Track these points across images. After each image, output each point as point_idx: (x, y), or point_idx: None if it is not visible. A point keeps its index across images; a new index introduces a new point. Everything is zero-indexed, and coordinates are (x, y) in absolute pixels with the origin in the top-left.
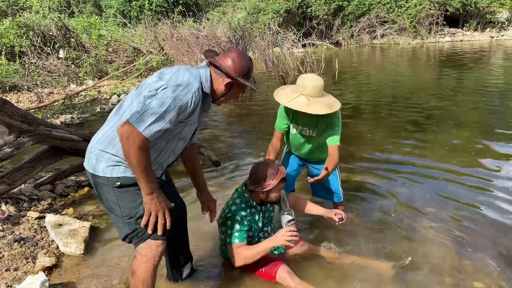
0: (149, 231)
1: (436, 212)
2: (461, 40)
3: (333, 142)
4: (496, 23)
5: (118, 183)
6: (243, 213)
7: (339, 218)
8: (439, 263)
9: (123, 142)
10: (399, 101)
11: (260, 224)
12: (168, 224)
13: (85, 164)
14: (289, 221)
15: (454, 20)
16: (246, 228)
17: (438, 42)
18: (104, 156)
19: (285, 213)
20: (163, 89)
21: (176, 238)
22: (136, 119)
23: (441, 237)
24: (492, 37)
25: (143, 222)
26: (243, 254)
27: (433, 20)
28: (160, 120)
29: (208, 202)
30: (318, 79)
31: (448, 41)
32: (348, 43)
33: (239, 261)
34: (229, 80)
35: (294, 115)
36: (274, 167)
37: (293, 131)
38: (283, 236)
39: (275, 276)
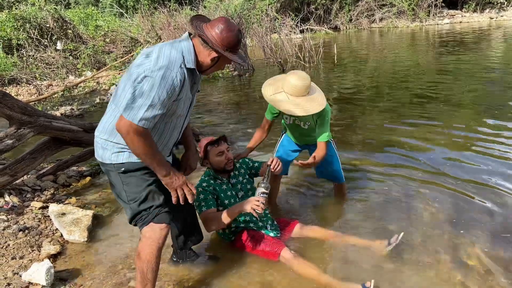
0: (174, 203)
1: (432, 193)
2: (460, 22)
3: (322, 139)
4: (495, 3)
5: (123, 168)
6: (204, 184)
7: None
8: (434, 242)
9: (124, 137)
10: (399, 84)
11: (228, 193)
12: (194, 191)
13: (95, 154)
14: (262, 192)
15: (453, 2)
16: (209, 196)
17: (437, 24)
18: (109, 144)
19: (261, 185)
20: (146, 76)
21: (185, 215)
22: (129, 113)
23: (437, 216)
24: (492, 18)
25: (174, 200)
26: (212, 218)
27: (432, 2)
28: (152, 107)
29: (187, 162)
30: (302, 78)
31: (447, 23)
32: (346, 28)
33: (209, 226)
34: (216, 54)
35: None
36: (206, 137)
37: (286, 120)
38: (250, 203)
39: (278, 254)
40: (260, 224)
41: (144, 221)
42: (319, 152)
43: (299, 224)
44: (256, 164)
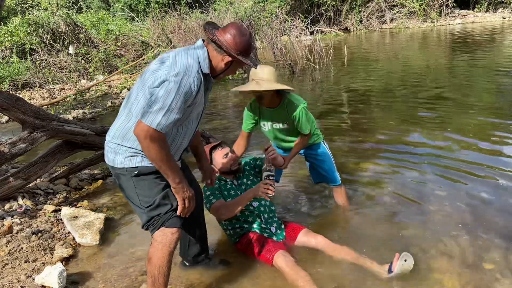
0: (179, 214)
1: (446, 196)
2: (472, 22)
3: (303, 131)
4: (508, 3)
5: (136, 171)
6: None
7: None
8: (448, 246)
9: (141, 142)
10: (410, 85)
11: (232, 192)
12: (192, 208)
13: (105, 159)
14: (267, 176)
15: (464, 2)
16: (216, 192)
17: (449, 24)
18: (121, 149)
19: (266, 170)
20: (164, 81)
21: (195, 221)
22: (147, 118)
23: (451, 220)
24: (504, 18)
25: (179, 211)
26: (223, 206)
27: (443, 2)
28: (170, 112)
29: (209, 170)
30: (267, 67)
31: (459, 24)
32: (357, 29)
33: (220, 214)
34: (230, 59)
35: (259, 112)
36: (207, 145)
37: (264, 128)
38: (260, 187)
39: (271, 259)
40: (263, 226)
41: (155, 225)
42: (297, 144)
43: (305, 230)
44: (258, 162)
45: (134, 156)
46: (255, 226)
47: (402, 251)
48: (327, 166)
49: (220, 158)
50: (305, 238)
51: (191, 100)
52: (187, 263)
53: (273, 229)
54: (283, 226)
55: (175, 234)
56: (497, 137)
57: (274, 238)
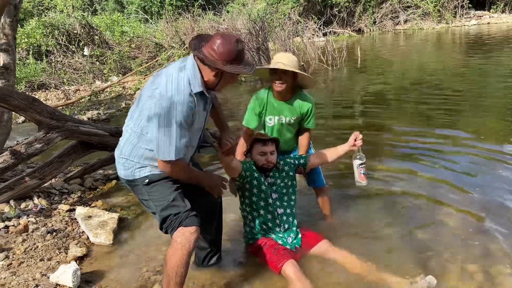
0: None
1: (460, 198)
2: (488, 23)
3: (309, 126)
4: None
5: (147, 180)
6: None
7: (356, 140)
8: (462, 250)
9: (170, 174)
10: (424, 87)
11: (262, 187)
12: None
13: (119, 174)
14: (360, 164)
15: (480, 2)
16: (249, 165)
17: (464, 26)
18: (130, 163)
19: (357, 158)
20: (159, 116)
21: (211, 223)
22: (163, 154)
23: (466, 223)
24: None
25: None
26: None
27: (458, 3)
28: (178, 139)
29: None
30: (291, 55)
31: (474, 25)
32: (370, 30)
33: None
34: (216, 71)
35: (268, 105)
36: (261, 132)
37: (269, 123)
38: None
39: (279, 268)
40: (281, 235)
41: (173, 226)
42: (305, 139)
43: (326, 242)
44: (302, 161)
45: (143, 167)
46: (272, 233)
47: (415, 253)
48: (319, 168)
49: (256, 153)
50: (326, 250)
51: (191, 120)
52: (198, 262)
53: (289, 240)
54: (300, 236)
55: (194, 234)
56: None
57: (288, 246)
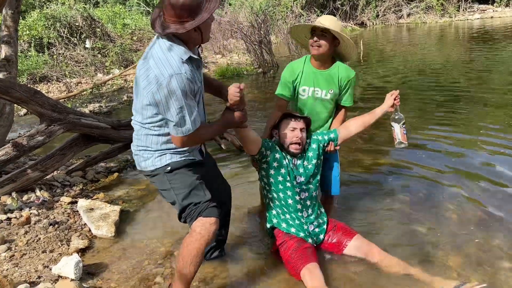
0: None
1: (462, 194)
2: (492, 17)
3: (347, 103)
4: None
5: (169, 167)
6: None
7: (395, 99)
8: (464, 245)
9: (185, 147)
10: (427, 81)
11: (287, 169)
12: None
13: (138, 168)
14: (403, 124)
15: None
16: (271, 144)
17: (467, 19)
18: (149, 153)
19: (396, 118)
20: (165, 97)
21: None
22: (184, 131)
23: (467, 218)
24: None
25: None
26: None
27: None
28: (191, 111)
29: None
30: (333, 17)
31: (478, 19)
32: (373, 24)
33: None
34: (191, 28)
35: (303, 73)
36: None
37: (303, 95)
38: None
39: (299, 273)
40: (303, 220)
41: (193, 216)
42: (341, 119)
43: (359, 239)
44: (332, 135)
45: (163, 155)
46: (293, 222)
47: (418, 250)
48: (336, 173)
49: (286, 127)
50: (359, 248)
51: (194, 87)
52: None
53: (311, 228)
54: (325, 226)
55: (214, 225)
56: None
57: (310, 240)
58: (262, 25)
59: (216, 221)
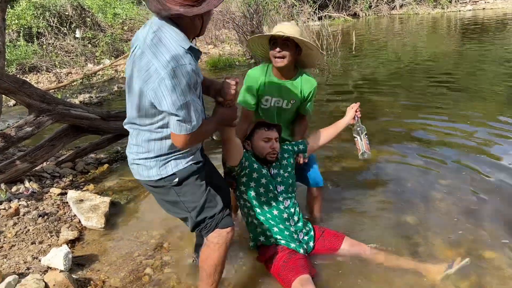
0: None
1: (450, 184)
2: (484, 9)
3: (307, 112)
4: None
5: (176, 179)
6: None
7: (356, 111)
8: (450, 235)
9: (185, 148)
10: (418, 72)
11: (263, 181)
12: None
13: (138, 177)
14: (365, 134)
15: None
16: (248, 155)
17: (460, 11)
18: (151, 162)
19: (358, 129)
20: (170, 92)
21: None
22: (188, 128)
23: (455, 208)
24: None
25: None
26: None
27: None
28: (194, 106)
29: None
30: (293, 24)
31: (470, 10)
32: (366, 15)
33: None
34: (197, 14)
35: (265, 84)
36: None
37: (265, 105)
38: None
39: (291, 286)
40: (293, 229)
41: (209, 228)
42: (302, 127)
43: (348, 240)
44: (301, 146)
45: (167, 162)
46: (281, 233)
47: (407, 240)
48: (316, 166)
49: (259, 139)
50: (350, 249)
51: (196, 79)
52: (194, 261)
53: (301, 236)
54: (312, 233)
55: (230, 233)
56: (505, 127)
57: (301, 251)
58: (255, 15)
59: (232, 229)
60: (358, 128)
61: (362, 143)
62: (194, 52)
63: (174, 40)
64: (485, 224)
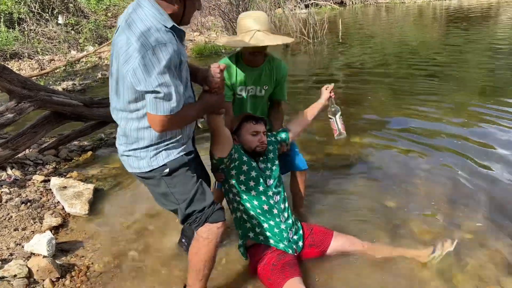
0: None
1: (431, 169)
2: None
3: (282, 97)
4: None
5: (167, 170)
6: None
7: (330, 92)
8: (431, 218)
9: (161, 131)
10: (404, 60)
11: (253, 174)
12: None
13: (129, 169)
14: (340, 115)
15: None
16: (238, 148)
17: (445, 0)
18: (142, 153)
19: (333, 109)
20: (148, 70)
21: None
22: (167, 108)
23: (435, 193)
24: None
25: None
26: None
27: None
28: (176, 85)
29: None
30: (261, 13)
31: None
32: (352, 3)
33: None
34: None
35: (237, 74)
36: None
37: (240, 95)
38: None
39: None
40: (283, 226)
41: (199, 222)
42: (279, 114)
43: (337, 236)
44: (283, 135)
45: (158, 153)
46: (270, 230)
47: (387, 224)
48: (296, 148)
49: (247, 133)
50: (340, 244)
51: (178, 60)
52: (183, 243)
53: (291, 234)
54: (301, 232)
55: (221, 228)
56: (488, 112)
57: (290, 251)
58: (241, 2)
59: (223, 224)
60: (333, 109)
61: (337, 124)
62: (177, 31)
63: (154, 17)
64: (463, 207)
